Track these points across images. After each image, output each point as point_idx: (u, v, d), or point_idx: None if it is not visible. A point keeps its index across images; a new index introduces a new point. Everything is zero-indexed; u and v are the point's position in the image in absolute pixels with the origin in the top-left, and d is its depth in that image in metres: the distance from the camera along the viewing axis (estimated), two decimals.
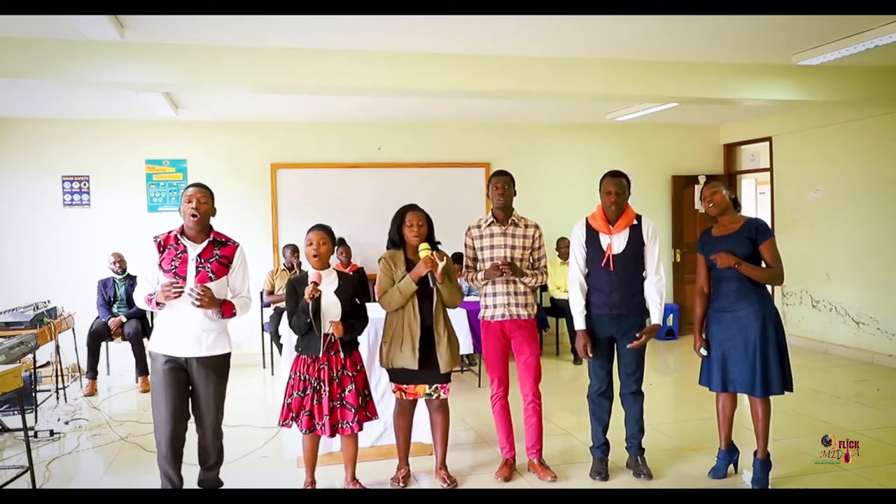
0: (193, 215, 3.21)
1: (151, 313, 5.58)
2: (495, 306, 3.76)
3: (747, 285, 3.48)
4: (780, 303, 7.45)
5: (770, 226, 3.68)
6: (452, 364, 3.59)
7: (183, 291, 3.12)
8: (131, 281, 6.17)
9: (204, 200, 3.24)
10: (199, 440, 3.38)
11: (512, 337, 3.76)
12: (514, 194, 3.85)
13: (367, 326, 3.57)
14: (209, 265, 3.25)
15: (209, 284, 3.19)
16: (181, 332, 3.21)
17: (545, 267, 3.87)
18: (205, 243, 3.27)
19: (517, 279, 3.73)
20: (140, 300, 3.28)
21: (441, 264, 3.47)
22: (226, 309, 3.25)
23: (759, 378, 3.44)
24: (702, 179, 8.17)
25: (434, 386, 3.61)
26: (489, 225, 3.81)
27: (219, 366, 3.31)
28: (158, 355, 3.24)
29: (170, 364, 3.21)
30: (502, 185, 3.78)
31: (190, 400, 3.30)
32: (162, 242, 3.25)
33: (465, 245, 3.89)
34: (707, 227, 3.77)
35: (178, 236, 3.26)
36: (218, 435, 3.39)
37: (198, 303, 3.12)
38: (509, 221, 3.80)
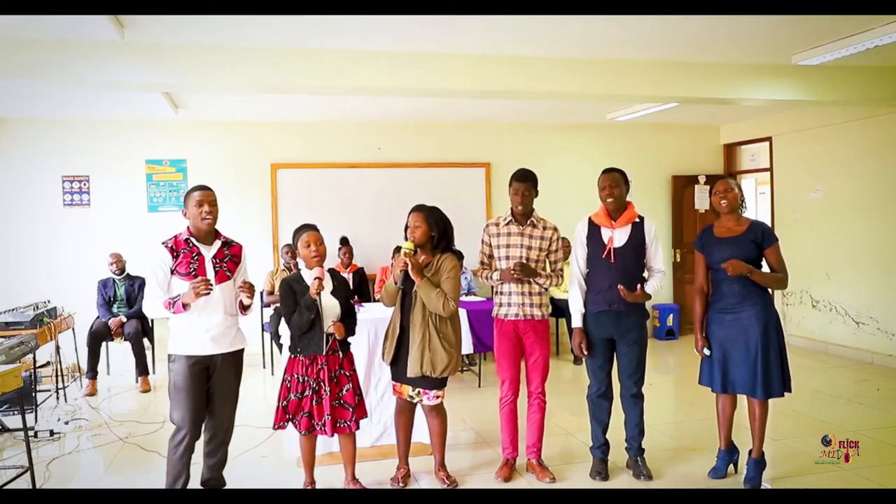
0: (208, 220, 3.23)
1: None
2: (510, 305, 3.75)
3: (749, 287, 3.47)
4: (780, 303, 7.45)
5: (770, 226, 3.68)
6: (423, 370, 3.44)
7: (213, 288, 3.15)
8: (131, 281, 6.18)
9: (215, 204, 3.28)
10: (211, 437, 3.40)
11: (524, 336, 3.75)
12: (536, 195, 3.78)
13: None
14: (225, 265, 3.32)
15: (228, 283, 3.30)
16: (207, 331, 3.24)
17: (561, 270, 3.84)
18: (217, 244, 3.33)
19: (531, 280, 3.72)
20: (157, 307, 3.22)
21: (410, 263, 3.41)
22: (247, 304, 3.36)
23: (761, 380, 3.44)
24: (702, 179, 8.18)
25: (416, 389, 3.58)
26: (507, 224, 3.78)
27: (239, 361, 3.43)
28: (182, 357, 3.23)
29: (196, 365, 3.23)
30: (522, 191, 3.71)
31: (208, 397, 3.34)
32: (173, 247, 3.24)
33: (482, 241, 3.86)
34: (706, 224, 3.76)
35: (189, 240, 3.27)
36: (231, 430, 3.46)
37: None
38: (528, 222, 3.77)
